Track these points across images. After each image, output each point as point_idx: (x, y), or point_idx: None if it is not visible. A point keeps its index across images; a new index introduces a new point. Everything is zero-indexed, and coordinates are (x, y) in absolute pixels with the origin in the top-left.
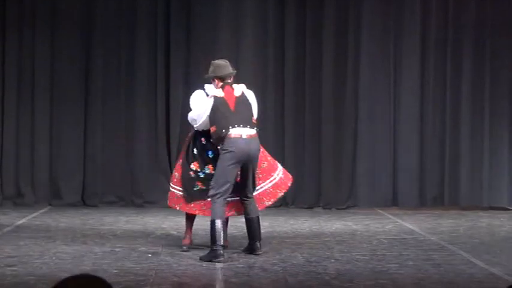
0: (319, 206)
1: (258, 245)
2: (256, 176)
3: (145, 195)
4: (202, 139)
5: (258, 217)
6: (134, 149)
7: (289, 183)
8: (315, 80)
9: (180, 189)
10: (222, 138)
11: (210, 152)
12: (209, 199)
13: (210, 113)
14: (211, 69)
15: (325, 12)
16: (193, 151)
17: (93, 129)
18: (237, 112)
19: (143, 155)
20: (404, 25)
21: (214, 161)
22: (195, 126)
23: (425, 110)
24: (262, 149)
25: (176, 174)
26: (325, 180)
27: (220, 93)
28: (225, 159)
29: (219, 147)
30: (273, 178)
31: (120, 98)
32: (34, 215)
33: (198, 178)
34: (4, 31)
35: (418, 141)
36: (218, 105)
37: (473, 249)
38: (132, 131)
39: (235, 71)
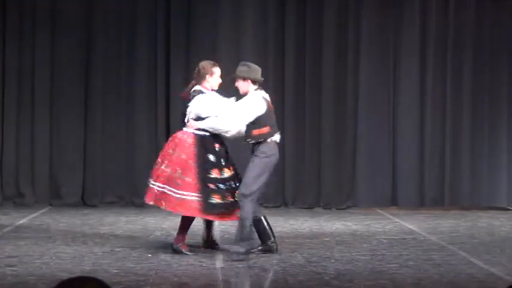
0: (319, 206)
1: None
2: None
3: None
4: (216, 145)
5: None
6: (134, 149)
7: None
8: (315, 81)
9: (195, 195)
10: (265, 140)
11: (222, 160)
12: (236, 199)
13: (263, 115)
14: (245, 69)
15: (325, 13)
16: (209, 158)
17: (93, 130)
18: (274, 117)
19: (143, 155)
20: (404, 26)
21: (229, 164)
22: (230, 131)
23: (425, 110)
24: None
25: (189, 180)
26: (325, 181)
27: (265, 95)
28: (266, 163)
29: (255, 149)
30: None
31: (120, 99)
32: (34, 215)
33: (217, 191)
34: (4, 32)
35: (418, 141)
36: (269, 108)
37: (473, 249)
38: (132, 131)
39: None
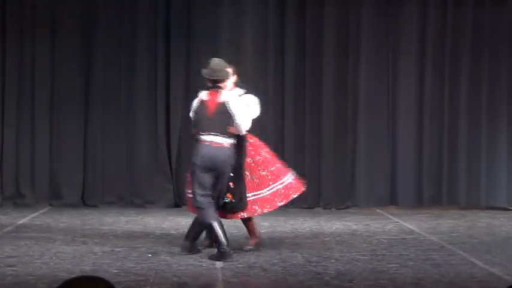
0: (319, 206)
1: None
2: (265, 177)
3: (145, 195)
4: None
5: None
6: (134, 149)
7: (302, 188)
8: (315, 81)
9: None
10: (196, 142)
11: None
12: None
13: (193, 115)
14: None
15: (325, 13)
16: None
17: (94, 130)
18: (213, 119)
19: (143, 155)
20: (403, 27)
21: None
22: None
23: (424, 110)
24: (270, 154)
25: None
26: (325, 181)
27: (204, 96)
28: (195, 166)
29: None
30: (283, 181)
31: (121, 99)
32: (34, 215)
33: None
34: (4, 32)
35: (417, 141)
36: (198, 108)
37: (473, 249)
38: (132, 131)
39: (227, 77)
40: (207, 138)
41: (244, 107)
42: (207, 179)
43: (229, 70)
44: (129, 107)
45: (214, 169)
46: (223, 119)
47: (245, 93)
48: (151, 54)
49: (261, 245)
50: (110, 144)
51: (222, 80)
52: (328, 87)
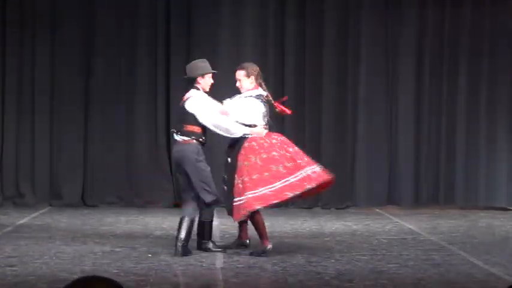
0: (318, 206)
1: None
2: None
3: (145, 195)
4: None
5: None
6: (134, 150)
7: (321, 180)
8: (315, 81)
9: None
10: None
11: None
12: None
13: None
14: None
15: (325, 13)
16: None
17: (94, 130)
18: (177, 117)
19: (143, 156)
20: (402, 28)
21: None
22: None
23: (423, 111)
24: (291, 149)
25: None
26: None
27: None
28: None
29: None
30: (297, 174)
31: (121, 99)
32: (34, 215)
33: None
34: (4, 32)
35: (416, 141)
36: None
37: (473, 249)
38: (132, 131)
39: (194, 75)
40: (174, 136)
41: (206, 106)
42: (180, 178)
43: (202, 68)
44: (129, 107)
45: (176, 166)
46: (180, 117)
47: (252, 96)
48: (151, 54)
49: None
50: (110, 144)
51: (192, 79)
52: (328, 88)
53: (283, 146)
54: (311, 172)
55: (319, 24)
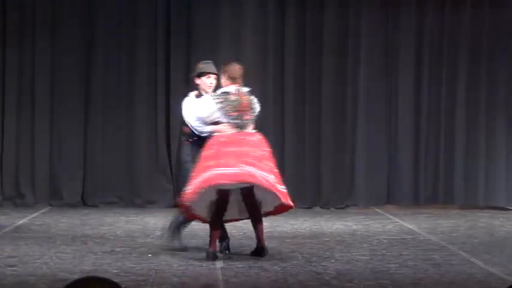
0: (318, 206)
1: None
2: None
3: (145, 195)
4: None
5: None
6: (134, 149)
7: (268, 188)
8: (315, 82)
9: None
10: None
11: None
12: None
13: None
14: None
15: (325, 15)
16: None
17: (94, 130)
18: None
19: (143, 155)
20: (401, 29)
21: None
22: None
23: (422, 111)
24: (259, 152)
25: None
26: (325, 181)
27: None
28: None
29: None
30: (243, 168)
31: (121, 98)
32: (34, 215)
33: None
34: (4, 32)
35: (415, 140)
36: None
37: (473, 249)
38: (132, 131)
39: (194, 76)
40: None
41: (189, 107)
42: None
43: (200, 68)
44: (129, 107)
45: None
46: (181, 120)
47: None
48: (151, 54)
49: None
50: (110, 144)
51: (193, 80)
52: (328, 88)
53: (246, 146)
54: (261, 177)
55: (319, 24)
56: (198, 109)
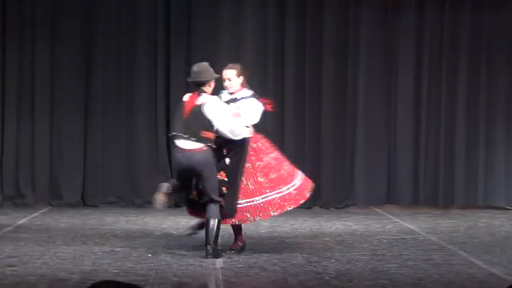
0: (318, 206)
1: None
2: (262, 184)
3: (145, 195)
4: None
5: (208, 219)
6: (134, 149)
7: (301, 202)
8: (315, 82)
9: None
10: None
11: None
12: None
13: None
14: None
15: (325, 15)
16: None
17: (93, 130)
18: (187, 121)
19: (143, 155)
20: (401, 29)
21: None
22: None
23: (421, 111)
24: (277, 160)
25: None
26: (324, 181)
27: (185, 98)
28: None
29: None
30: (282, 190)
31: (121, 98)
32: (34, 215)
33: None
34: (4, 34)
35: (415, 140)
36: (177, 111)
37: (473, 249)
38: (132, 131)
39: (208, 79)
40: (178, 143)
41: (223, 111)
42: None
43: (212, 72)
44: (129, 107)
45: (191, 173)
46: (196, 122)
47: (251, 96)
48: (151, 54)
49: (255, 245)
50: (110, 144)
51: (203, 83)
52: (328, 88)
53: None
54: (279, 197)
55: (319, 24)
56: (248, 115)
